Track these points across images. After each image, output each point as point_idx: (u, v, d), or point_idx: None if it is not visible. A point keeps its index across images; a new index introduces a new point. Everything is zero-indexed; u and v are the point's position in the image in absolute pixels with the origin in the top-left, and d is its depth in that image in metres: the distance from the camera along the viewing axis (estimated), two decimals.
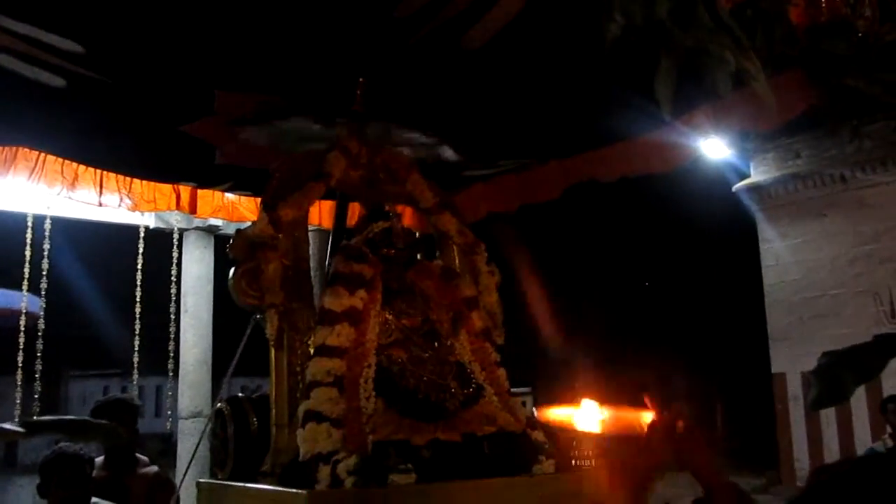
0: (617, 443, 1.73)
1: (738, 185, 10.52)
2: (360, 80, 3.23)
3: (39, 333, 7.13)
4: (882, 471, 0.99)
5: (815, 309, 9.75)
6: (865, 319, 9.03)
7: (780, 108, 3.46)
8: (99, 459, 3.78)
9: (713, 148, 5.07)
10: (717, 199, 10.87)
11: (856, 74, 3.16)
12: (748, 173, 10.51)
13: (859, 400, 6.98)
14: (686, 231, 13.02)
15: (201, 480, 3.29)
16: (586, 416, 1.76)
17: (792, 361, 9.51)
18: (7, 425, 1.57)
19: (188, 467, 3.73)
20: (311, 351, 2.87)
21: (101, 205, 4.52)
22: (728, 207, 10.94)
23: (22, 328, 7.05)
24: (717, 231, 12.61)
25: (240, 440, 2.99)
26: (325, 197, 3.87)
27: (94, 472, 3.67)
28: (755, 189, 10.41)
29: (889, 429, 5.73)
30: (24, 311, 7.29)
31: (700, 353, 14.45)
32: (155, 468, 3.91)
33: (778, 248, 10.25)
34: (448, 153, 3.98)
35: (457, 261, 3.51)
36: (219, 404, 3.18)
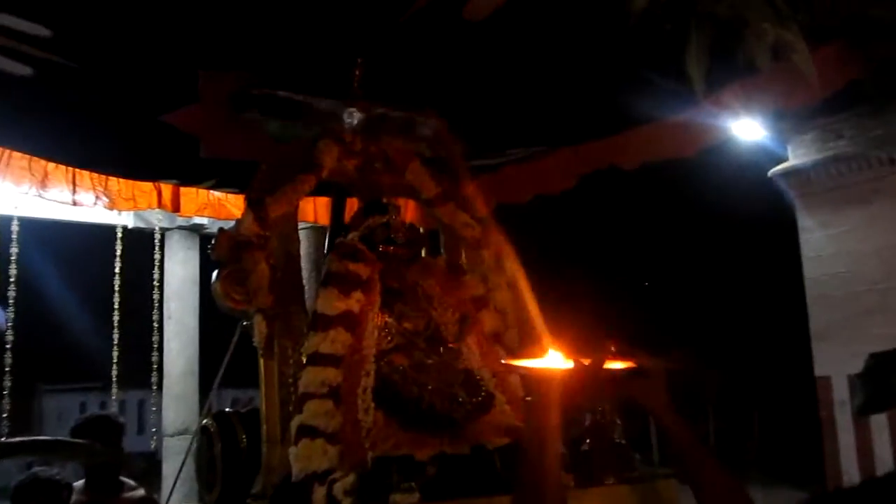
0: (535, 380, 1.74)
1: (775, 170, 10.45)
2: (358, 59, 3.22)
3: (8, 346, 7.15)
4: None
5: (862, 305, 9.68)
6: None
7: (820, 84, 3.44)
8: (79, 483, 3.79)
9: (746, 129, 5.04)
10: (751, 186, 10.81)
11: None
12: (785, 157, 10.45)
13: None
14: (717, 222, 12.96)
15: None
16: (548, 363, 1.78)
17: (837, 363, 9.44)
18: None
19: (172, 490, 3.74)
20: (304, 359, 2.86)
21: (75, 204, 4.52)
22: (763, 195, 10.87)
23: None
24: (752, 221, 12.54)
25: (228, 459, 2.99)
26: (321, 192, 3.88)
27: (74, 498, 3.69)
28: (793, 174, 10.34)
29: None
30: None
31: (734, 356, 14.40)
32: (141, 492, 3.92)
33: (819, 239, 10.19)
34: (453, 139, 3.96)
35: (464, 257, 3.51)
36: (204, 420, 3.18)
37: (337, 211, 3.63)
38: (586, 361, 1.72)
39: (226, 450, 3.00)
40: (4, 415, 7.33)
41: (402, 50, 3.13)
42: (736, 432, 14.50)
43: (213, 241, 2.99)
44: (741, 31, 2.33)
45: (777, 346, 13.26)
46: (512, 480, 2.59)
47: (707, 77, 2.29)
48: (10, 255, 6.97)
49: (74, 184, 4.43)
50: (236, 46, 3.08)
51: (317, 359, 2.78)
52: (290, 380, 2.90)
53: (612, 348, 1.77)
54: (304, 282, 3.28)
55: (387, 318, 2.99)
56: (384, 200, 3.32)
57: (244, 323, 3.01)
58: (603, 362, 1.73)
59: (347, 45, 3.13)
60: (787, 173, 10.38)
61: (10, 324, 7.20)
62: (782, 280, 11.69)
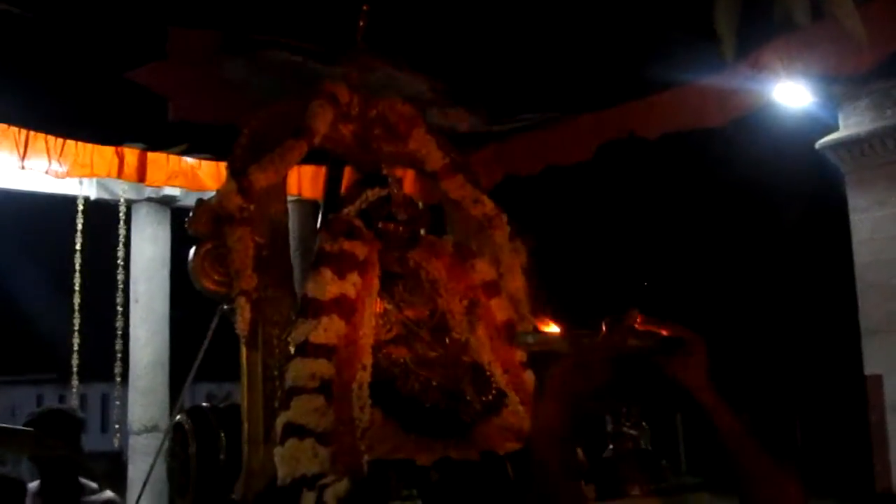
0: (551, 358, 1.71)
1: (823, 141, 10.41)
2: (364, 7, 3.20)
3: None
4: None
5: None
6: None
7: (874, 43, 3.42)
8: (33, 485, 3.80)
9: (790, 95, 5.01)
10: (796, 159, 10.78)
11: None
12: (836, 126, 10.41)
13: None
14: (755, 201, 12.94)
15: None
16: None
17: (890, 360, 9.46)
18: None
19: (140, 494, 3.76)
20: (292, 350, 2.87)
21: (23, 168, 4.51)
22: (809, 169, 10.85)
23: None
24: (795, 199, 12.52)
25: (204, 461, 3.01)
26: (308, 161, 3.87)
27: (28, 502, 3.70)
28: (844, 145, 10.30)
29: None
30: None
31: (773, 352, 14.41)
32: (107, 494, 3.93)
33: (873, 219, 10.16)
34: (460, 107, 3.96)
35: (473, 237, 3.51)
36: (178, 416, 3.20)
37: (332, 183, 3.62)
38: (606, 333, 1.65)
39: (202, 450, 3.02)
40: None
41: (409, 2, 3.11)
42: (775, 440, 14.54)
43: (190, 214, 2.99)
44: None
45: (822, 341, 13.28)
46: (524, 490, 2.62)
47: (739, 35, 2.27)
48: None
49: (26, 146, 4.42)
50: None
51: (307, 349, 2.79)
52: (276, 372, 2.92)
53: (637, 320, 1.68)
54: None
55: (386, 305, 3.01)
56: (384, 171, 3.31)
57: (224, 307, 3.02)
58: (627, 334, 1.65)
59: None
60: (837, 145, 10.33)
61: None
62: (829, 267, 11.69)
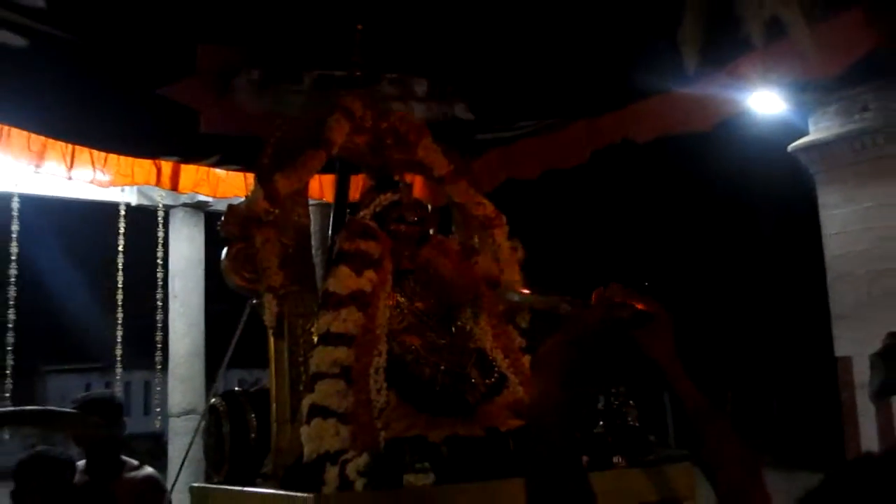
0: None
1: (795, 144, 10.37)
2: (357, 27, 3.20)
3: (10, 326, 7.19)
4: None
5: (886, 284, 9.63)
6: None
7: (839, 53, 3.41)
8: (80, 463, 3.84)
9: (765, 102, 5.00)
10: (771, 161, 10.75)
11: None
12: (806, 130, 10.36)
13: None
14: (734, 199, 12.91)
15: (194, 485, 3.33)
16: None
17: (859, 344, 9.39)
18: None
19: (180, 470, 3.79)
20: (315, 339, 2.89)
21: (70, 178, 4.54)
22: (783, 170, 10.81)
23: None
24: (771, 197, 12.48)
25: (237, 439, 3.02)
26: (326, 169, 3.88)
27: (76, 477, 3.74)
28: (815, 148, 10.25)
29: None
30: None
31: (752, 336, 14.37)
32: (147, 470, 3.96)
33: (842, 215, 10.11)
34: (461, 114, 3.96)
35: (476, 236, 3.52)
36: (213, 400, 3.22)
37: (341, 187, 3.63)
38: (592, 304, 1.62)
39: (235, 430, 3.03)
40: (7, 395, 7.40)
41: (405, 14, 3.10)
42: (754, 417, 14.50)
43: (222, 218, 3.01)
44: (736, 6, 2.32)
45: (796, 326, 13.24)
46: (526, 463, 2.63)
47: (704, 51, 2.28)
48: (10, 232, 6.99)
49: (73, 158, 4.44)
50: (234, 18, 3.06)
51: (328, 338, 2.80)
52: (301, 359, 2.93)
53: (617, 293, 1.64)
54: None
55: (399, 298, 3.01)
56: (395, 177, 3.33)
57: (254, 302, 3.03)
58: (610, 307, 1.60)
59: (345, 13, 3.10)
60: (808, 148, 10.29)
61: (11, 303, 7.25)
62: (802, 259, 11.65)
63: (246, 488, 2.87)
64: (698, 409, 1.62)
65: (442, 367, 2.85)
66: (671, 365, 1.63)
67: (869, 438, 9.42)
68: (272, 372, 3.00)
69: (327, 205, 5.39)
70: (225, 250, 3.02)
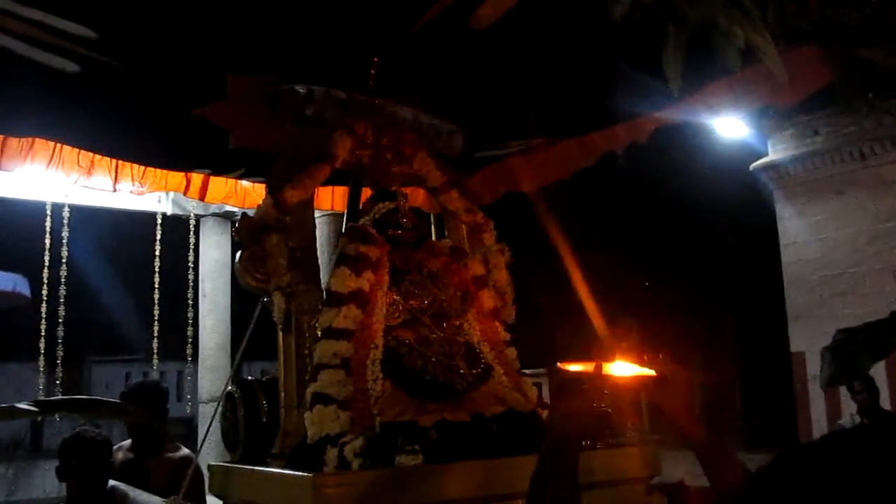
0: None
1: (756, 164, 10.35)
2: (375, 59, 3.17)
3: (60, 321, 7.18)
4: (847, 446, 0.96)
5: (835, 287, 9.61)
6: (886, 297, 8.88)
7: (797, 84, 3.36)
8: (126, 443, 3.89)
9: (729, 126, 4.97)
10: (735, 180, 10.72)
11: (870, 46, 3.04)
12: (765, 152, 10.34)
13: (879, 377, 6.83)
14: (702, 212, 12.86)
15: (213, 464, 3.28)
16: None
17: (811, 340, 9.37)
18: (21, 405, 1.58)
19: (199, 449, 3.74)
20: (319, 333, 2.82)
21: (115, 191, 4.52)
22: (746, 188, 10.79)
23: (43, 315, 7.11)
24: (735, 211, 12.44)
25: (250, 423, 2.97)
26: (339, 182, 3.83)
27: (122, 455, 3.72)
28: (773, 168, 10.24)
29: (857, 407, 5.84)
30: (13, 292, 7.36)
31: (718, 334, 14.32)
32: (183, 451, 3.92)
33: (796, 227, 10.10)
34: (459, 137, 3.92)
35: (465, 240, 3.47)
36: (229, 388, 3.16)
37: (353, 198, 3.59)
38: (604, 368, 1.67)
39: (248, 414, 2.99)
40: (58, 381, 7.39)
41: (413, 53, 3.08)
42: (720, 405, 14.45)
43: (236, 226, 2.96)
44: (713, 34, 2.26)
45: (757, 325, 13.20)
46: (509, 447, 2.57)
47: (683, 77, 2.22)
48: (61, 239, 6.99)
49: (117, 173, 4.41)
50: (262, 49, 3.04)
51: (330, 333, 2.75)
52: (306, 351, 2.87)
53: (646, 356, 1.71)
54: (324, 263, 3.24)
55: (394, 296, 2.96)
56: (393, 188, 3.28)
57: (264, 300, 2.98)
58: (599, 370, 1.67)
59: (365, 48, 3.09)
60: (767, 167, 10.28)
61: (62, 301, 7.23)
62: (762, 265, 11.61)
63: (256, 467, 2.82)
64: (703, 447, 1.66)
65: (433, 359, 2.79)
66: (683, 419, 1.67)
67: (819, 424, 9.38)
68: (280, 363, 2.95)
69: (340, 214, 5.36)
70: (239, 254, 2.97)
